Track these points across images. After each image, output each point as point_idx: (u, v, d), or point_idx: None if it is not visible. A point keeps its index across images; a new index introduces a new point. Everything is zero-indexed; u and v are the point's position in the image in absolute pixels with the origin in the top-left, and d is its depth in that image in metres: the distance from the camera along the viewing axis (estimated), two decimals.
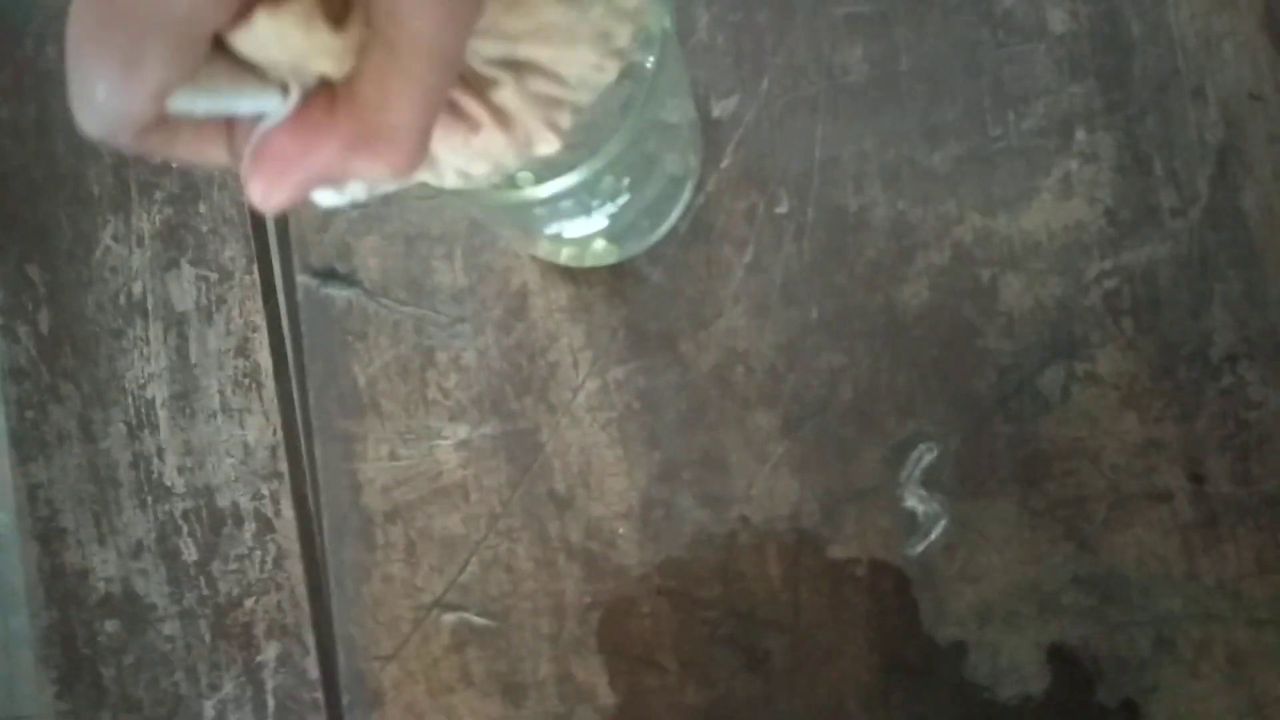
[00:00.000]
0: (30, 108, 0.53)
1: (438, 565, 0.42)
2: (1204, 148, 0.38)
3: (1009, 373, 0.39)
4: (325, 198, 0.22)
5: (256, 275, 0.48)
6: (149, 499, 0.48)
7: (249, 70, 0.19)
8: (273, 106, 0.19)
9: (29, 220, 0.51)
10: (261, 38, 0.17)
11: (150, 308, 0.49)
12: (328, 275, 0.43)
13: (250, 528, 0.46)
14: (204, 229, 0.48)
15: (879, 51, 0.40)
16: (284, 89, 0.19)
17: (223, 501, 0.47)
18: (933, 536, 0.38)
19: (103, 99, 0.17)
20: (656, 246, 0.41)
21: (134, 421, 0.49)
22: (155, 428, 0.48)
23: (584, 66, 0.23)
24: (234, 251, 0.48)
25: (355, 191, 0.22)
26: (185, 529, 0.47)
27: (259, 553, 0.46)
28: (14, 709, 1.47)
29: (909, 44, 0.40)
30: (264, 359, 0.47)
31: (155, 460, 0.48)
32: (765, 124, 0.41)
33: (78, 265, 0.51)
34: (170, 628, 0.47)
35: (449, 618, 0.42)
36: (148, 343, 0.49)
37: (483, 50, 0.21)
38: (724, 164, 0.41)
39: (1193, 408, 0.38)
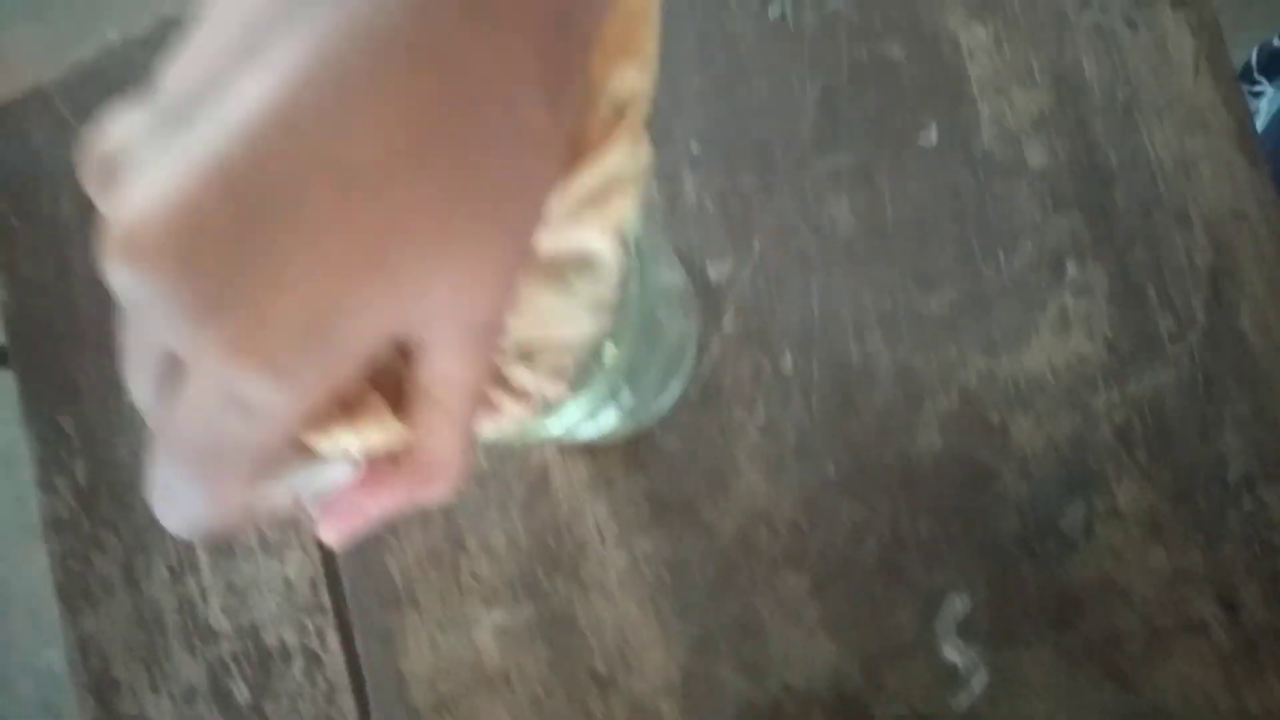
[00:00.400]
0: (50, 262, 0.55)
1: None
2: (1195, 271, 0.39)
3: (1030, 514, 0.39)
4: None
5: None
6: (197, 642, 0.50)
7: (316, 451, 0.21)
8: (341, 475, 0.21)
9: (58, 372, 0.54)
10: (342, 441, 0.20)
11: None
12: None
13: (299, 663, 0.48)
14: None
15: (864, 203, 0.41)
16: (351, 459, 0.21)
17: (270, 639, 0.49)
18: (974, 688, 0.39)
19: (190, 518, 0.19)
20: (669, 414, 0.42)
21: (176, 565, 0.50)
22: (197, 570, 0.50)
23: (580, 328, 0.24)
24: None
25: None
26: (235, 670, 0.49)
27: (310, 689, 0.48)
28: None
29: (892, 193, 0.41)
30: None
31: (200, 603, 0.50)
32: (761, 283, 0.42)
33: (109, 413, 0.53)
34: None
35: None
36: None
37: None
38: (725, 326, 0.42)
39: (1216, 534, 0.38)
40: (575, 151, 0.20)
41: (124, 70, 0.56)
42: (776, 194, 0.43)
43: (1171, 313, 0.39)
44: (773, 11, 0.43)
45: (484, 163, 0.17)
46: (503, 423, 0.25)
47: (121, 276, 0.16)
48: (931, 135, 0.41)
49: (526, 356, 0.24)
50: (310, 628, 0.48)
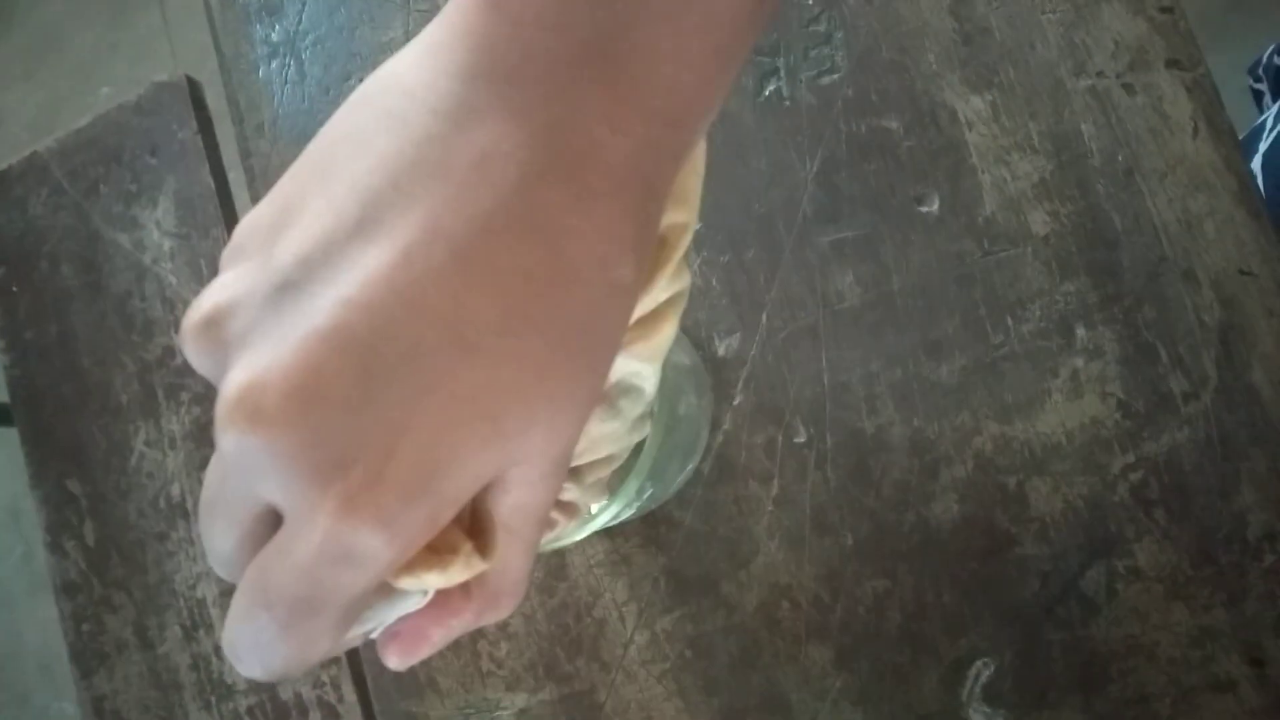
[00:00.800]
0: (52, 327, 0.56)
1: None
2: (1204, 329, 0.39)
3: (1051, 578, 0.40)
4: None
5: None
6: (213, 699, 0.50)
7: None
8: (414, 607, 0.22)
9: (63, 436, 0.55)
10: (427, 581, 0.20)
11: (190, 508, 0.52)
12: None
13: (316, 717, 0.49)
14: None
15: (869, 274, 0.42)
16: (425, 593, 0.22)
17: (285, 694, 0.49)
18: None
19: (276, 664, 0.20)
20: (684, 490, 0.43)
21: (189, 623, 0.51)
22: (210, 627, 0.50)
23: (624, 445, 0.25)
24: None
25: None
26: None
27: None
28: None
29: (897, 263, 0.42)
30: None
31: (214, 659, 0.50)
32: (770, 357, 0.42)
33: (115, 475, 0.54)
34: None
35: None
36: (192, 543, 0.51)
37: None
38: (737, 401, 0.43)
39: (1239, 591, 0.38)
40: None
41: (119, 136, 0.57)
42: (782, 268, 0.43)
43: (1183, 372, 0.40)
44: (768, 90, 0.44)
45: (582, 318, 0.18)
46: (549, 535, 0.26)
47: (239, 438, 0.17)
48: (933, 205, 0.42)
49: (574, 475, 0.25)
50: (325, 680, 0.48)
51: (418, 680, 0.45)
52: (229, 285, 0.18)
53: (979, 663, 0.40)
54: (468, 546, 0.20)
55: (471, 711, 0.44)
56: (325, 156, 0.18)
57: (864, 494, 0.42)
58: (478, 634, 0.44)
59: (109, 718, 0.51)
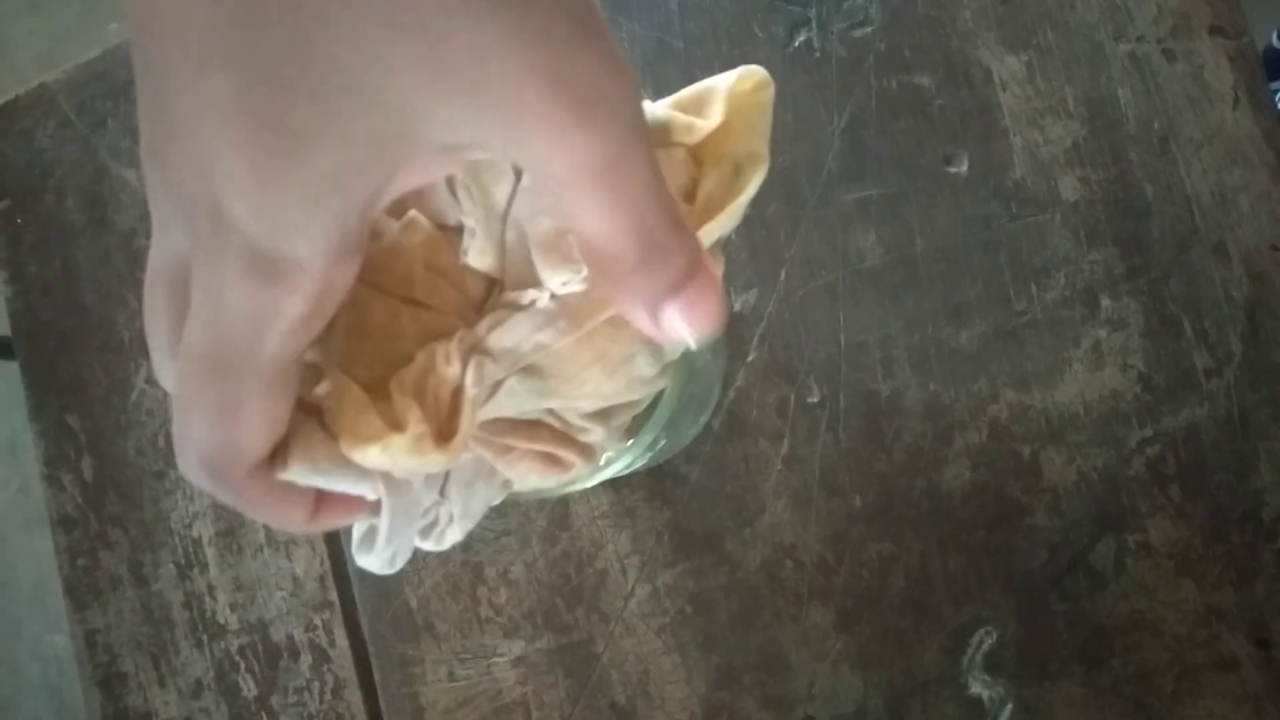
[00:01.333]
0: (56, 261, 0.56)
1: None
2: (1232, 305, 0.39)
3: (1060, 549, 0.39)
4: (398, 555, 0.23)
5: None
6: (205, 637, 0.51)
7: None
8: (369, 491, 0.21)
9: (64, 371, 0.55)
10: (373, 459, 0.20)
11: None
12: None
13: (306, 659, 0.49)
14: None
15: (892, 235, 0.41)
16: (378, 481, 0.21)
17: (277, 635, 0.50)
18: None
19: (205, 446, 0.19)
20: (692, 446, 0.42)
21: (183, 561, 0.51)
22: (205, 566, 0.51)
23: (651, 388, 0.25)
24: None
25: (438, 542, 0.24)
26: (243, 665, 0.50)
27: (317, 684, 0.49)
28: None
29: (922, 225, 0.41)
30: None
31: (207, 598, 0.51)
32: (787, 315, 0.42)
33: (115, 412, 0.54)
34: None
35: None
36: (189, 483, 0.51)
37: (582, 408, 0.24)
38: (751, 358, 0.42)
39: (1250, 572, 0.38)
40: None
41: (129, 71, 0.56)
42: (803, 225, 0.43)
43: (1207, 347, 0.39)
44: (798, 40, 0.43)
45: None
46: (563, 478, 0.25)
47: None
48: (962, 166, 0.42)
49: (603, 416, 0.25)
50: (318, 623, 0.49)
51: (414, 624, 0.45)
52: None
53: (981, 631, 0.40)
54: (415, 413, 0.20)
55: (468, 657, 0.44)
56: None
57: (875, 457, 0.41)
58: (476, 579, 0.44)
59: (101, 651, 0.51)
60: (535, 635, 0.44)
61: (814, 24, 0.43)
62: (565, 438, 0.24)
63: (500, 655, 0.44)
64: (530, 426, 0.24)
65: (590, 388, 0.23)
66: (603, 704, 0.43)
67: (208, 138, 0.16)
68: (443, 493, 0.24)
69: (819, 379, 0.42)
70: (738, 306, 0.43)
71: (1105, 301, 0.40)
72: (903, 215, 0.42)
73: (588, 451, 0.25)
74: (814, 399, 0.42)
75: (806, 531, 0.42)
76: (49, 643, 1.59)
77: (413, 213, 0.23)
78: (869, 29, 0.43)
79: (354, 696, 0.48)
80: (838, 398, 0.42)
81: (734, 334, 0.43)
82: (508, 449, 0.24)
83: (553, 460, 0.24)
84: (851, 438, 0.42)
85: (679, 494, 0.43)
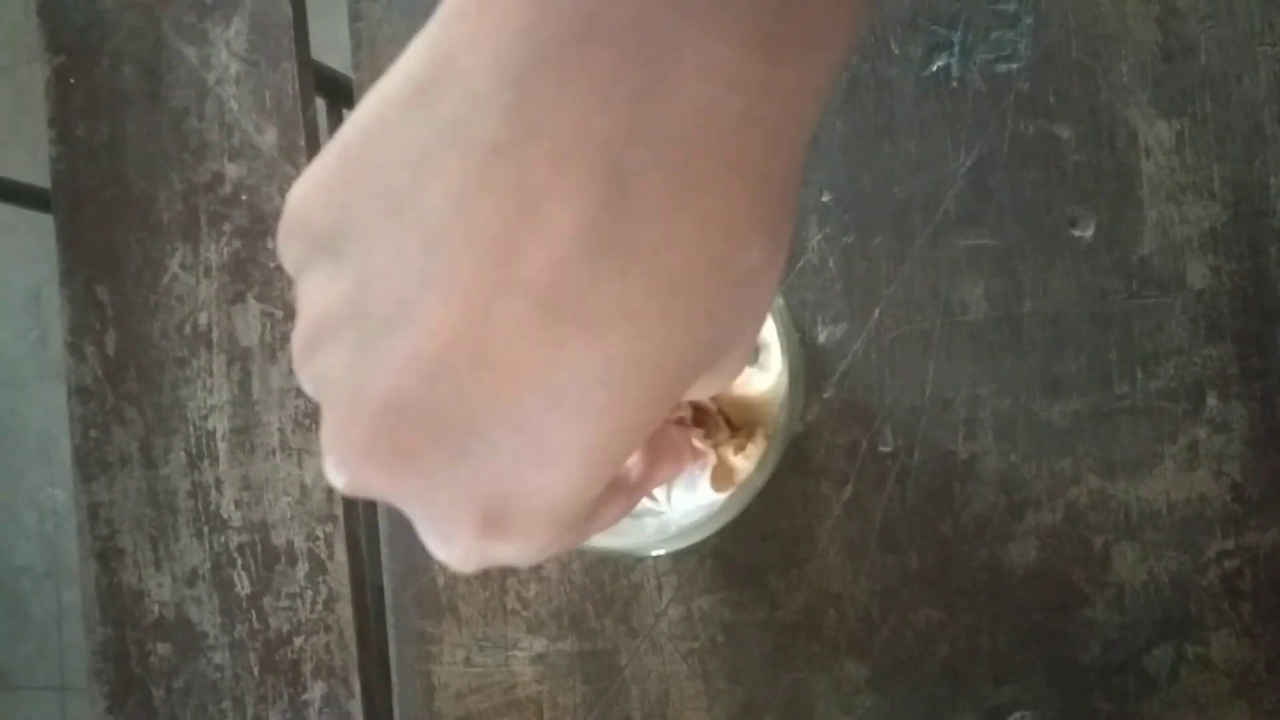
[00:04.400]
0: (104, 128, 0.57)
1: None
2: None
3: (1115, 647, 0.40)
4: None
5: None
6: (205, 529, 0.53)
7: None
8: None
9: (99, 241, 0.57)
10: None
11: (215, 339, 0.54)
12: None
13: (303, 567, 0.51)
14: (271, 265, 0.53)
15: (1001, 290, 0.41)
16: None
17: (277, 539, 0.52)
18: None
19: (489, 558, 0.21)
20: None
21: (194, 451, 0.53)
22: (215, 459, 0.53)
23: (775, 394, 0.36)
24: None
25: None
26: (239, 562, 0.53)
27: (310, 593, 0.51)
28: (64, 680, 1.61)
29: (1034, 285, 0.41)
30: None
31: (213, 492, 0.53)
32: (874, 356, 0.42)
33: (145, 291, 0.55)
34: (220, 657, 0.53)
35: None
36: (211, 374, 0.53)
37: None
38: (827, 394, 0.42)
39: None
40: None
41: None
42: (907, 263, 0.42)
43: None
44: (936, 65, 0.42)
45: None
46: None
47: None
48: (1088, 230, 0.41)
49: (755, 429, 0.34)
50: (320, 535, 0.51)
51: (439, 602, 0.46)
52: (321, 296, 0.18)
53: (1018, 715, 0.41)
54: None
55: (488, 645, 0.45)
56: (385, 181, 0.17)
57: (940, 519, 0.42)
58: (508, 570, 0.45)
59: (102, 525, 0.54)
60: (559, 636, 0.45)
61: (956, 50, 0.42)
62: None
63: (521, 649, 0.45)
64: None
65: None
66: (617, 717, 0.44)
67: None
68: None
69: (895, 428, 0.42)
70: (822, 338, 0.43)
71: (1212, 400, 0.40)
72: (1015, 271, 0.41)
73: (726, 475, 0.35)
74: (887, 448, 0.42)
75: (856, 583, 0.42)
76: (48, 494, 1.64)
77: None
78: (1014, 65, 0.42)
79: (344, 611, 0.50)
80: (912, 451, 0.42)
81: (814, 366, 0.43)
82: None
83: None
84: (919, 495, 0.42)
85: (729, 522, 0.43)
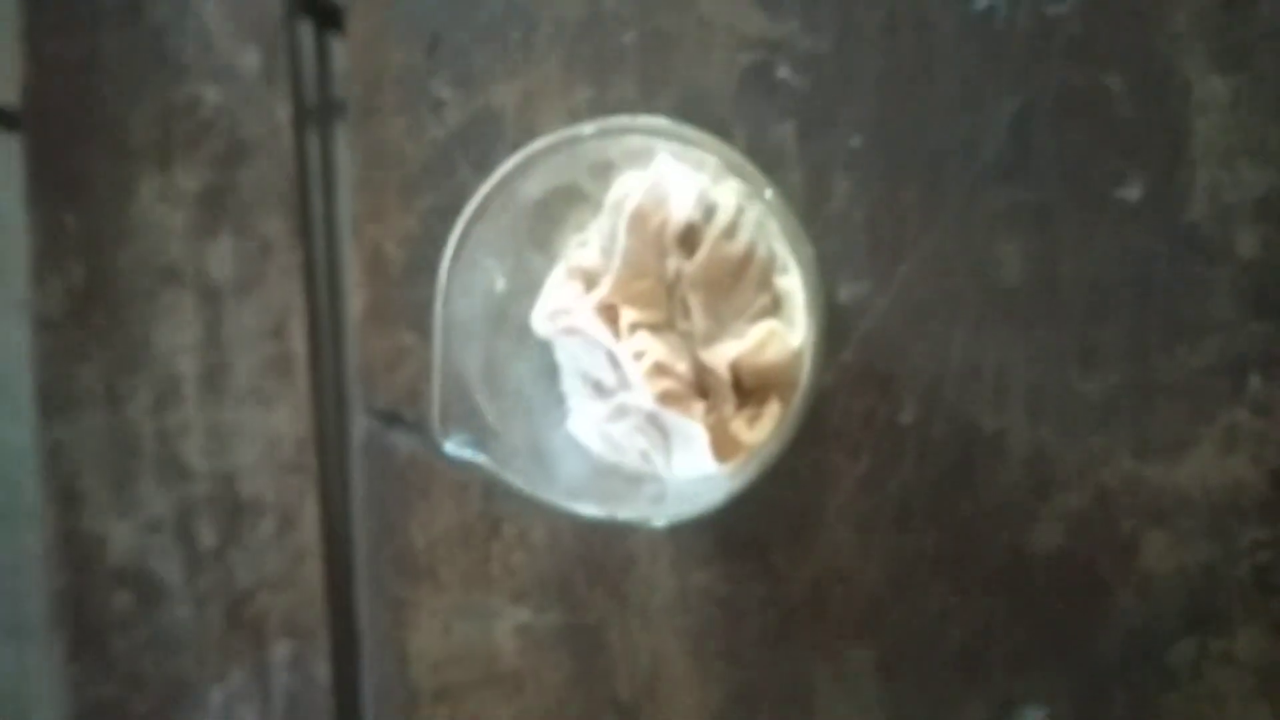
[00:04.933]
0: (79, 44, 0.53)
1: None
2: None
3: (1137, 639, 0.38)
4: None
5: (299, 250, 0.49)
6: (170, 476, 0.50)
7: None
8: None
9: (69, 164, 0.53)
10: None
11: (186, 274, 0.50)
12: (392, 419, 0.42)
13: (271, 521, 0.49)
14: (247, 197, 0.50)
15: (1038, 249, 0.38)
16: None
17: (245, 490, 0.49)
18: None
19: None
20: None
21: (161, 393, 0.50)
22: (182, 404, 0.50)
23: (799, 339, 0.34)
24: (277, 225, 0.49)
25: None
26: (205, 513, 0.50)
27: (278, 547, 0.49)
28: (20, 620, 1.57)
29: (1074, 246, 0.38)
30: (299, 345, 0.48)
31: (179, 437, 0.50)
32: (897, 318, 0.39)
33: (114, 218, 0.52)
34: (183, 610, 0.50)
35: None
36: (180, 311, 0.50)
37: None
38: (844, 355, 0.39)
39: None
40: None
41: None
42: (939, 218, 0.39)
43: None
44: (983, 3, 0.39)
45: None
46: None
47: None
48: (1133, 190, 0.38)
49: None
50: (291, 486, 0.48)
51: (417, 565, 0.43)
52: None
53: (1031, 708, 0.39)
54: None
55: (468, 613, 0.42)
56: None
57: (960, 498, 0.39)
58: (492, 533, 0.42)
59: (64, 464, 0.51)
60: (545, 606, 0.42)
61: None
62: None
63: (503, 619, 0.42)
64: None
65: None
66: (604, 696, 0.41)
67: None
68: None
69: (917, 397, 0.39)
70: (842, 295, 0.40)
71: (1255, 381, 0.37)
72: (1054, 230, 0.38)
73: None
74: (906, 419, 0.39)
75: (867, 561, 0.40)
76: (5, 431, 1.58)
77: None
78: (1064, 6, 0.38)
79: (314, 568, 0.48)
80: (933, 423, 0.39)
81: (832, 325, 0.40)
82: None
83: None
84: (939, 471, 0.39)
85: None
